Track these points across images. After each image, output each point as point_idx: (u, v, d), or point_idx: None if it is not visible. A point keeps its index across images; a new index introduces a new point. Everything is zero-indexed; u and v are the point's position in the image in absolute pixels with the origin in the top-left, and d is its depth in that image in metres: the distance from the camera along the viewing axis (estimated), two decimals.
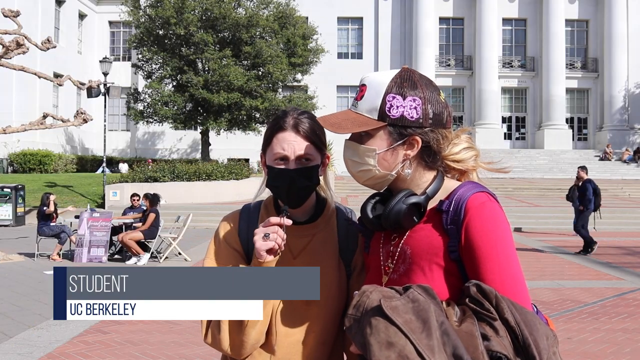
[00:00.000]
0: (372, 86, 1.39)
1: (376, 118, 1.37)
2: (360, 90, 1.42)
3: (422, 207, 1.37)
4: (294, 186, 1.50)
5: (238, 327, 1.47)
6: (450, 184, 1.43)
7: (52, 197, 11.70)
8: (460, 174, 1.47)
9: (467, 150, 1.46)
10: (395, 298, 1.17)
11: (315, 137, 1.53)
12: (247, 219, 1.63)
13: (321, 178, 1.61)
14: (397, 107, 1.35)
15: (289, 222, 1.42)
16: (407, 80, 1.37)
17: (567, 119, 38.88)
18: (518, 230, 16.98)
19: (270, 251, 1.41)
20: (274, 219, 1.41)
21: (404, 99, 1.35)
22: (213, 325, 1.51)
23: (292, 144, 1.51)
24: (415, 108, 1.36)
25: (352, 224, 1.64)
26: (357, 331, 1.17)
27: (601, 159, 35.27)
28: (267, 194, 1.65)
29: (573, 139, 39.05)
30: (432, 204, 1.39)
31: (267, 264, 1.41)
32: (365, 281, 1.49)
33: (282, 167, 1.51)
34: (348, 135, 1.46)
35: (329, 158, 1.62)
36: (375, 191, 1.50)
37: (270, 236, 1.39)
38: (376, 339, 1.11)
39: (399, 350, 1.09)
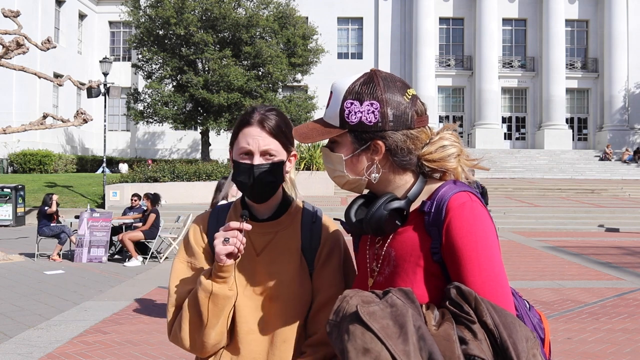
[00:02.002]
0: (335, 93, 1.39)
1: (338, 125, 1.37)
2: (329, 96, 1.42)
3: (404, 211, 1.36)
4: (257, 181, 1.51)
5: (198, 328, 1.49)
6: (432, 184, 1.41)
7: (54, 197, 11.72)
8: (443, 174, 1.43)
9: (444, 149, 1.40)
10: (374, 303, 1.16)
11: (281, 134, 1.54)
12: (217, 219, 1.65)
13: (289, 175, 1.63)
14: (355, 112, 1.34)
15: (248, 227, 1.43)
16: (367, 84, 1.35)
17: (567, 119, 38.89)
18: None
19: (229, 255, 1.42)
20: (234, 224, 1.42)
21: (361, 104, 1.34)
22: (176, 325, 1.54)
23: (257, 139, 1.52)
24: (372, 112, 1.34)
25: (342, 224, 1.63)
26: (336, 337, 1.17)
27: (601, 159, 35.26)
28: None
29: (573, 139, 39.06)
30: (414, 205, 1.38)
31: (227, 267, 1.43)
32: (353, 284, 1.50)
33: (247, 162, 1.53)
34: (326, 143, 1.46)
35: (295, 156, 1.62)
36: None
37: (230, 240, 1.40)
38: (353, 345, 1.11)
39: (375, 356, 1.08)
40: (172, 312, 1.56)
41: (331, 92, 1.40)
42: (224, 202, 6.23)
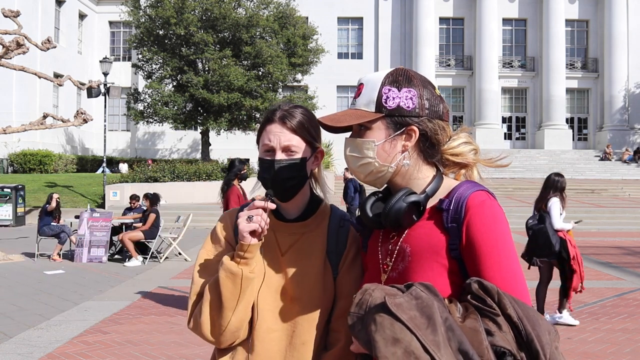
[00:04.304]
0: (368, 83, 1.44)
1: (373, 110, 1.41)
2: (358, 88, 1.47)
3: (421, 205, 1.38)
4: (277, 178, 1.52)
5: (218, 310, 1.48)
6: (449, 182, 1.45)
7: (54, 196, 11.79)
8: (460, 169, 1.49)
9: (466, 145, 1.48)
10: (399, 295, 1.18)
11: (303, 130, 1.54)
12: None
13: (319, 174, 1.63)
14: (393, 98, 1.40)
15: (272, 205, 1.45)
16: (402, 75, 1.42)
17: (567, 119, 38.88)
18: None
19: (253, 233, 1.43)
20: (258, 203, 1.44)
21: (399, 91, 1.40)
22: (197, 311, 1.53)
23: (278, 136, 1.53)
24: (411, 99, 1.40)
25: (350, 224, 1.64)
26: (360, 329, 1.17)
27: (601, 159, 35.27)
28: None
29: (573, 139, 39.05)
30: (431, 203, 1.41)
31: (251, 247, 1.44)
32: (365, 280, 1.50)
33: (269, 158, 1.54)
34: (349, 135, 1.49)
35: (322, 153, 1.62)
36: (374, 189, 1.51)
37: (254, 218, 1.42)
38: (382, 336, 1.11)
39: (405, 346, 1.09)
40: (194, 300, 1.56)
41: (361, 84, 1.46)
42: None
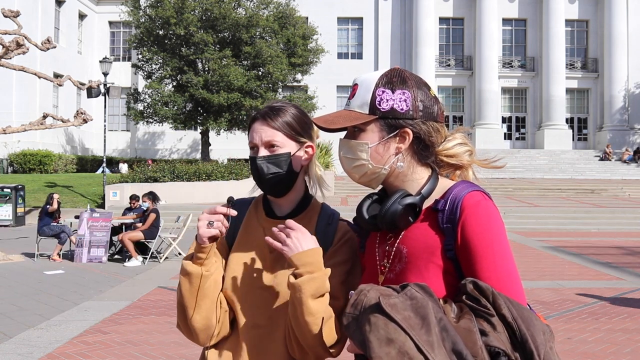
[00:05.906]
0: (363, 84, 1.43)
1: (367, 112, 1.40)
2: (353, 89, 1.46)
3: (417, 207, 1.38)
4: (262, 174, 1.54)
5: (183, 311, 1.53)
6: (445, 183, 1.44)
7: (55, 196, 11.79)
8: (455, 170, 1.49)
9: (461, 146, 1.47)
10: (394, 296, 1.18)
11: (286, 125, 1.55)
12: (237, 212, 1.65)
13: (314, 171, 1.63)
14: (387, 100, 1.39)
15: (234, 212, 1.47)
16: (396, 76, 1.41)
17: (567, 119, 38.90)
18: None
19: (211, 238, 1.46)
20: (220, 209, 1.46)
21: (393, 93, 1.39)
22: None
23: (260, 132, 1.55)
24: (404, 100, 1.39)
25: (339, 221, 1.64)
26: (355, 329, 1.18)
27: (601, 159, 35.27)
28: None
29: (573, 139, 39.06)
30: (427, 203, 1.41)
31: (206, 247, 1.47)
32: (362, 281, 1.50)
33: (252, 155, 1.57)
34: (344, 135, 1.48)
35: (312, 148, 1.62)
36: (371, 190, 1.52)
37: (215, 224, 1.44)
38: (376, 336, 1.12)
39: (399, 346, 1.10)
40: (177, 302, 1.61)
41: (356, 85, 1.45)
42: None
